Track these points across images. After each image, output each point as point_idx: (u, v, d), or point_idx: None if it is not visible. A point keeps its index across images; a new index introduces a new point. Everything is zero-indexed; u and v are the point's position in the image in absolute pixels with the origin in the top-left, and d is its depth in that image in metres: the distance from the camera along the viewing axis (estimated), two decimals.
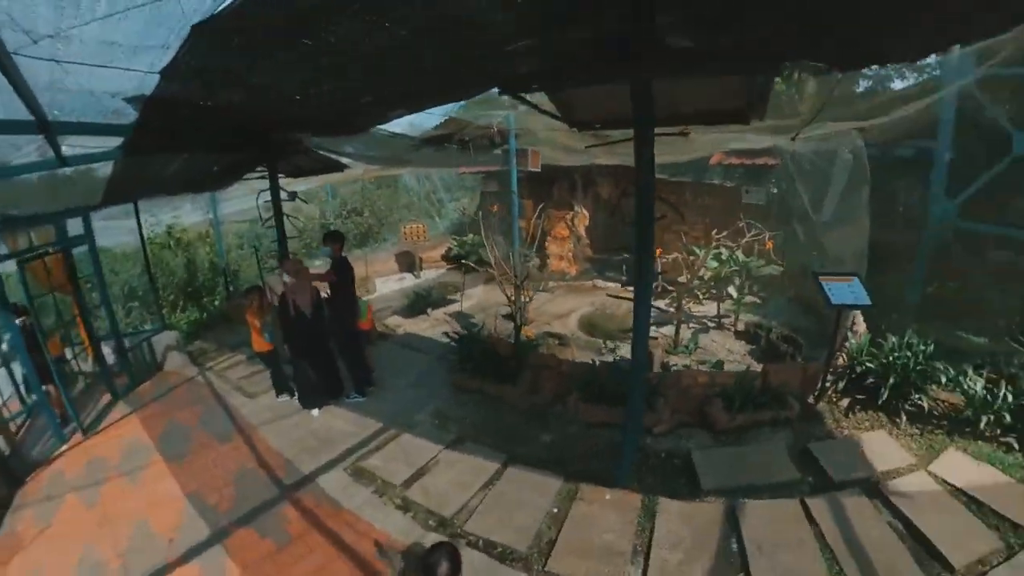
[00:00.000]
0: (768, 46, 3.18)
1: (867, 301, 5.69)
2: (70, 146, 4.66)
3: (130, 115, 4.04)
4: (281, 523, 4.45)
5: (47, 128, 3.79)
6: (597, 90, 3.97)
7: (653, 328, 8.14)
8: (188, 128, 4.86)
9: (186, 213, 11.94)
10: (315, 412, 6.24)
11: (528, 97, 4.25)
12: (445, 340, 8.12)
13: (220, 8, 2.38)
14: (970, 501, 4.14)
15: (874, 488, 4.38)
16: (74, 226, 6.81)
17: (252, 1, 2.32)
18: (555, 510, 4.36)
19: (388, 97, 4.45)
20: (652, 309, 6.17)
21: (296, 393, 6.48)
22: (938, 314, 7.87)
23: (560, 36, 3.06)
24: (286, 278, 5.90)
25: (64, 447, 5.94)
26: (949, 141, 7.92)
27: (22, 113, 3.53)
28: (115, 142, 4.73)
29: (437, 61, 3.39)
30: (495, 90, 4.08)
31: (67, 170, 5.97)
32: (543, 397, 6.16)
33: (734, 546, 3.88)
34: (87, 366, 7.76)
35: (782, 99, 6.83)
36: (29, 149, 4.63)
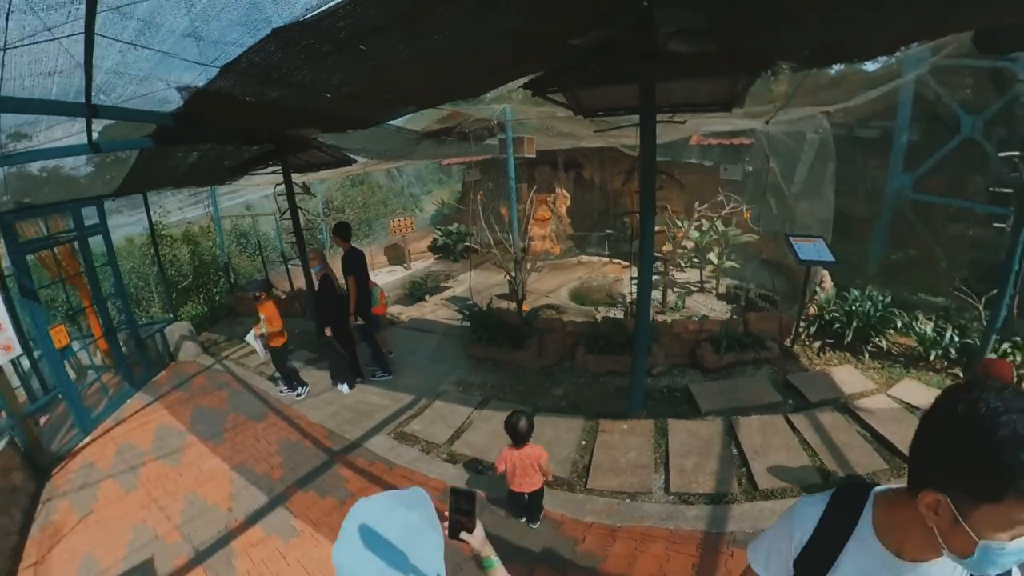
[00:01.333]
0: (752, 52, 3.88)
1: (831, 258, 6.46)
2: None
3: (171, 104, 4.36)
4: (339, 482, 4.65)
5: (95, 111, 3.97)
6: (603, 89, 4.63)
7: None
8: (218, 119, 5.14)
9: (186, 208, 12.08)
10: (345, 389, 6.58)
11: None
12: (449, 322, 8.77)
13: (305, 17, 2.89)
14: None
15: (844, 406, 5.14)
16: None
17: (330, 15, 2.81)
18: (583, 442, 5.01)
19: (405, 95, 4.94)
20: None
21: (306, 384, 6.72)
22: (899, 278, 8.74)
23: (580, 44, 3.66)
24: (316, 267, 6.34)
25: (88, 438, 6.00)
26: (907, 123, 8.88)
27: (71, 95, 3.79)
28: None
29: (471, 65, 3.97)
30: None
31: (34, 168, 6.05)
32: (550, 358, 6.81)
33: (734, 451, 4.63)
34: (96, 359, 7.81)
35: (755, 89, 7.61)
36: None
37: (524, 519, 4.01)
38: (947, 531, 1.05)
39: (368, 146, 7.36)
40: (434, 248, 14.04)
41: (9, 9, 2.16)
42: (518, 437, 3.70)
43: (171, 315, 9.40)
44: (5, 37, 2.49)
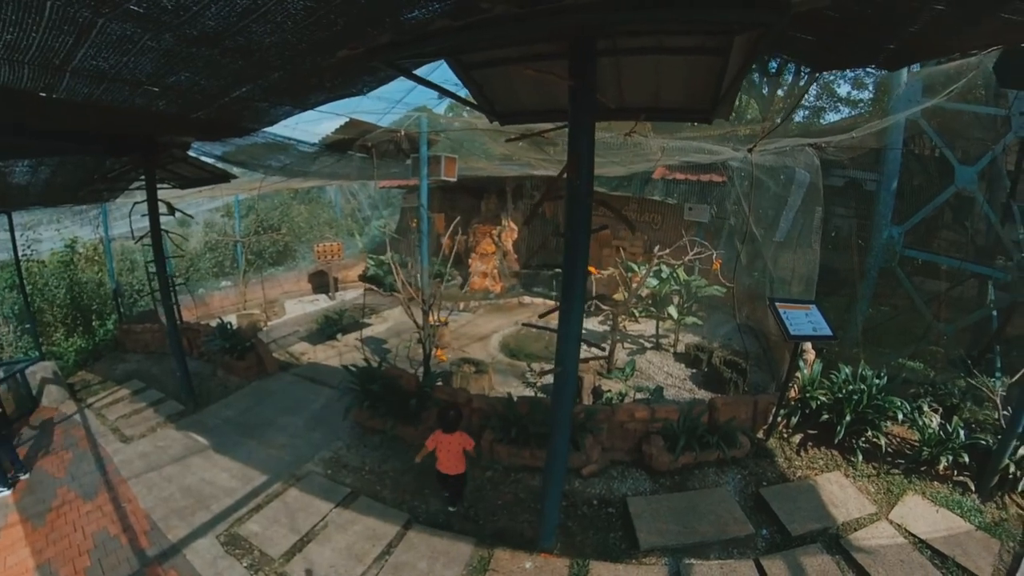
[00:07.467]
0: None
1: (828, 332, 5.29)
2: None
3: None
4: None
5: None
6: (522, 74, 3.25)
7: (583, 349, 7.49)
8: (40, 124, 4.13)
9: (74, 228, 10.60)
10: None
11: (446, 86, 3.50)
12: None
13: None
14: (934, 555, 3.86)
15: (834, 542, 3.92)
16: None
17: None
18: None
19: (266, 88, 3.67)
20: (583, 329, 5.41)
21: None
22: (878, 340, 7.72)
23: None
24: None
25: None
26: (898, 167, 8.00)
27: None
28: None
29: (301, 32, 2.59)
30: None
31: None
32: None
33: None
34: None
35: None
36: None
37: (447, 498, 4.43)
38: None
39: (249, 160, 6.00)
40: (365, 277, 12.74)
41: None
42: (447, 424, 4.22)
43: (37, 353, 8.05)
44: None
